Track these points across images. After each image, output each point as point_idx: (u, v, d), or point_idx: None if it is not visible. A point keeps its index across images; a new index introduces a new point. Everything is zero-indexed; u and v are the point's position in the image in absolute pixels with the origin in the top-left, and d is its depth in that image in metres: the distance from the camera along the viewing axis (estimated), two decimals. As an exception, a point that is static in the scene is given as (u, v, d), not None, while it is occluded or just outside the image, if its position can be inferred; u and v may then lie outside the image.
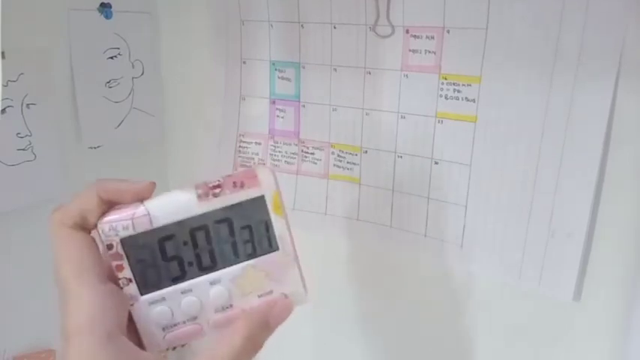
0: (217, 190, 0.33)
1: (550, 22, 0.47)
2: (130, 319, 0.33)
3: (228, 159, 0.70)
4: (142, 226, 0.32)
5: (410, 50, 0.56)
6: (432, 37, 0.54)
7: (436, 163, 0.57)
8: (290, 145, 0.66)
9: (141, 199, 0.33)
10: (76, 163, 0.65)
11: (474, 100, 0.53)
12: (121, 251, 0.32)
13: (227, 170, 0.71)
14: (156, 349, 0.34)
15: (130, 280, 0.33)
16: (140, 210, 0.32)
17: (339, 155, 0.63)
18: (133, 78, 0.70)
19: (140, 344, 0.33)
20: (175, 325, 0.34)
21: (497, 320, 0.56)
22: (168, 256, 0.33)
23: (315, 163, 0.65)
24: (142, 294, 0.33)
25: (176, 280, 0.34)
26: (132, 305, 0.33)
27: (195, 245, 0.33)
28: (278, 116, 0.66)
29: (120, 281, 0.33)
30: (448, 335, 0.60)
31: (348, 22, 0.59)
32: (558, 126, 0.48)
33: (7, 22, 0.52)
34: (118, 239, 0.32)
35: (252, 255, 0.34)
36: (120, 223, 0.32)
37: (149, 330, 0.34)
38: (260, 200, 0.34)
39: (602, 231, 0.48)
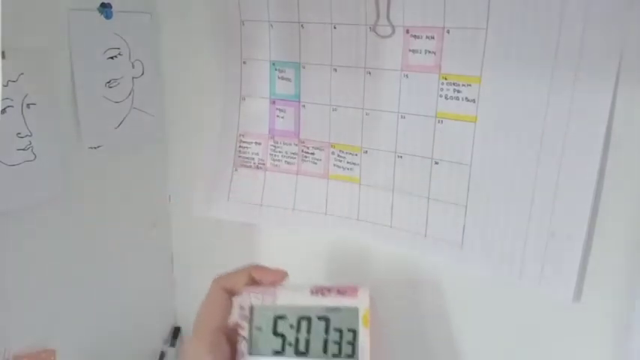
0: (325, 292, 0.42)
1: (550, 22, 0.47)
2: None
3: (228, 159, 0.70)
4: (268, 301, 0.43)
5: (410, 50, 0.56)
6: (432, 37, 0.54)
7: (436, 163, 0.57)
8: (290, 145, 0.66)
9: (276, 282, 0.44)
10: (76, 163, 0.65)
11: (473, 100, 0.53)
12: (247, 314, 0.42)
13: (227, 170, 0.71)
14: None
15: (245, 339, 0.42)
16: (270, 290, 0.43)
17: (339, 155, 0.63)
18: (133, 78, 0.70)
19: None
20: None
21: (498, 320, 0.56)
22: (276, 332, 0.42)
23: (315, 163, 0.65)
24: (249, 354, 0.42)
25: (276, 354, 0.42)
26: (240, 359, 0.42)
27: (298, 330, 0.42)
28: (278, 116, 0.67)
29: (238, 337, 0.42)
30: (448, 335, 0.60)
31: (348, 22, 0.59)
32: (558, 126, 0.48)
33: (7, 22, 0.52)
34: (249, 304, 0.43)
35: (337, 355, 0.41)
36: (255, 294, 0.43)
37: None
38: (354, 311, 0.41)
39: (602, 231, 0.48)
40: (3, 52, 0.55)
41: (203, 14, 0.69)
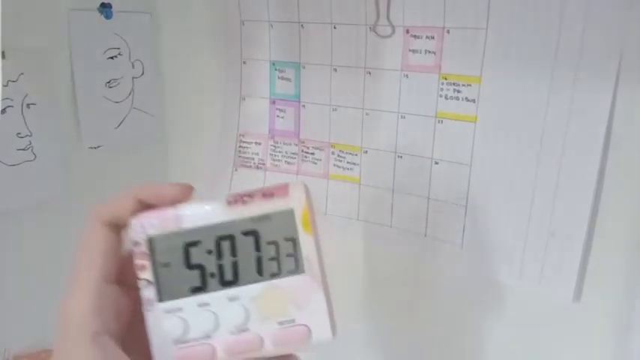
0: (246, 198, 0.32)
1: (550, 22, 0.47)
2: (141, 327, 0.32)
3: (228, 159, 0.71)
4: (170, 226, 0.32)
5: (410, 50, 0.56)
6: (432, 37, 0.54)
7: (436, 163, 0.57)
8: (290, 145, 0.66)
9: (177, 202, 0.33)
10: (76, 163, 0.65)
11: (473, 100, 0.53)
12: (146, 250, 0.32)
13: (227, 170, 0.71)
14: None
15: (150, 283, 0.32)
16: (171, 210, 0.32)
17: (339, 155, 0.63)
18: (133, 78, 0.70)
19: (147, 356, 0.32)
20: (187, 341, 0.32)
21: (497, 320, 0.56)
22: (191, 264, 0.32)
23: (315, 163, 0.65)
24: (159, 300, 0.32)
25: (195, 292, 0.32)
26: (147, 311, 0.32)
27: (219, 255, 0.32)
28: (278, 116, 0.67)
29: (139, 282, 0.32)
30: (447, 335, 0.60)
31: (348, 22, 0.59)
32: (558, 126, 0.48)
33: (7, 22, 0.52)
34: (145, 237, 0.32)
35: (276, 275, 0.32)
36: (149, 221, 0.32)
37: (160, 342, 0.32)
38: (289, 215, 0.32)
39: (602, 231, 0.48)
40: (3, 52, 0.55)
41: (203, 14, 0.69)
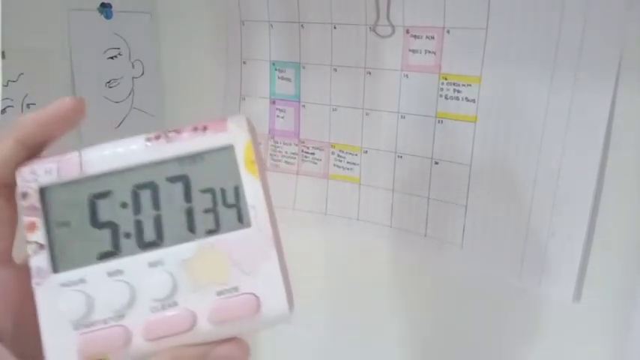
0: (172, 134, 0.26)
1: (550, 22, 0.47)
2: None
3: (228, 159, 0.70)
4: (71, 173, 0.25)
5: (410, 50, 0.56)
6: (432, 37, 0.54)
7: (436, 163, 0.57)
8: (290, 145, 0.66)
9: (72, 124, 0.26)
10: (76, 163, 0.65)
11: (474, 100, 0.53)
12: (37, 203, 0.24)
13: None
14: (61, 356, 0.24)
15: (42, 247, 0.24)
16: (72, 153, 0.25)
17: (339, 155, 0.63)
18: (133, 78, 0.70)
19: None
20: (92, 324, 0.24)
21: (497, 320, 0.56)
22: (99, 221, 0.25)
23: (315, 163, 0.65)
24: (54, 270, 0.24)
25: (105, 257, 0.25)
26: (37, 285, 0.24)
27: (137, 209, 0.25)
28: (278, 116, 0.67)
29: (28, 247, 0.25)
30: (447, 335, 0.60)
31: (348, 22, 0.59)
32: (558, 126, 0.48)
33: (7, 22, 0.52)
34: (36, 186, 0.24)
35: (213, 231, 0.25)
36: (43, 166, 0.25)
37: (54, 326, 0.24)
38: (228, 153, 0.25)
39: (602, 231, 0.48)
40: (3, 52, 0.55)
41: (203, 14, 0.69)
